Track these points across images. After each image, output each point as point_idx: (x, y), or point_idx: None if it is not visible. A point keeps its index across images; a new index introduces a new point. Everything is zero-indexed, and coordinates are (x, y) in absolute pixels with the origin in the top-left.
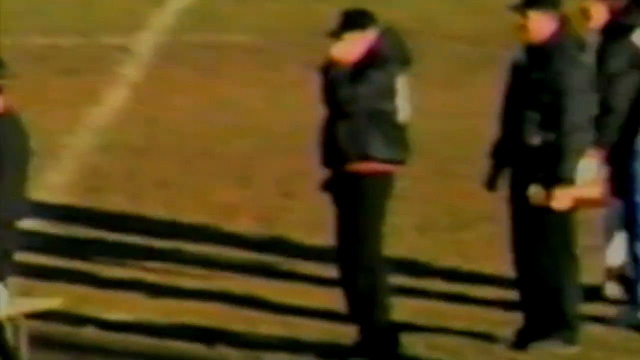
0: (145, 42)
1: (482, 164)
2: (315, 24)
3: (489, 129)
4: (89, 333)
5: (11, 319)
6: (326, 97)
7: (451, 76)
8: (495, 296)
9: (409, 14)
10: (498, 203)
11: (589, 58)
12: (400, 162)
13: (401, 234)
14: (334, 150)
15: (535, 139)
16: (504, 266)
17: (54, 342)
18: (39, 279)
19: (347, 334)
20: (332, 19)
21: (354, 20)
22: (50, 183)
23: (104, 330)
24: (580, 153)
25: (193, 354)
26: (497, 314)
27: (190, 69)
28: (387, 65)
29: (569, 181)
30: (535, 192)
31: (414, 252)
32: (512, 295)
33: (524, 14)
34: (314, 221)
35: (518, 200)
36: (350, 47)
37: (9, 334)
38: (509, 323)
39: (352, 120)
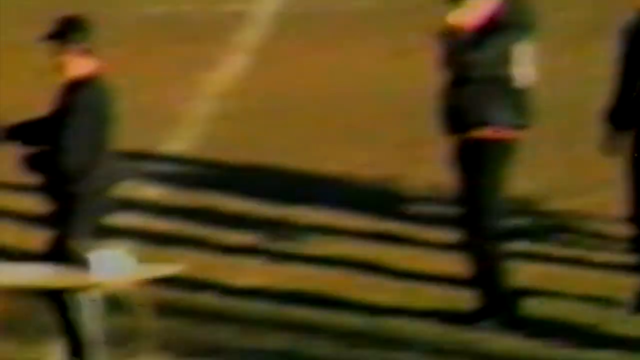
0: (263, 10)
1: (602, 130)
2: None
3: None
4: (211, 299)
5: (136, 285)
6: (447, 63)
7: (573, 41)
8: (616, 261)
9: None
10: (618, 168)
11: None
12: (522, 127)
13: (522, 200)
14: (456, 116)
15: None
16: (625, 230)
17: (176, 309)
18: (162, 246)
19: (468, 299)
20: None
21: None
22: (171, 151)
23: (226, 297)
24: None
25: (314, 321)
26: (617, 279)
27: (307, 37)
28: (509, 31)
29: None
30: None
31: (535, 217)
32: (633, 259)
33: None
34: (436, 187)
35: None
36: (472, 13)
37: (130, 301)
38: (630, 287)
39: (474, 86)
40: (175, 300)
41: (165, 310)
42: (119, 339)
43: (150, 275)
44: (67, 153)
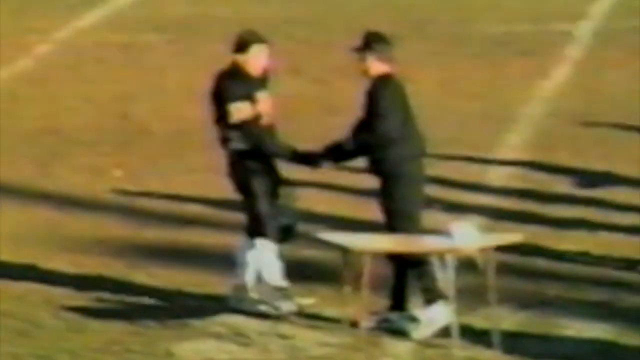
0: (586, 28)
1: None
2: None
3: None
4: (542, 262)
5: (482, 251)
6: None
7: None
8: None
9: None
10: None
11: None
12: None
13: None
14: None
15: None
16: None
17: (515, 270)
18: (502, 221)
19: None
20: None
21: None
22: (510, 142)
23: (553, 260)
24: None
25: (627, 279)
26: None
27: (623, 50)
28: None
29: None
30: None
31: None
32: None
33: None
34: None
35: None
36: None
37: (479, 264)
38: None
39: None
40: (514, 263)
41: (506, 271)
42: (469, 295)
43: (496, 243)
44: (384, 119)
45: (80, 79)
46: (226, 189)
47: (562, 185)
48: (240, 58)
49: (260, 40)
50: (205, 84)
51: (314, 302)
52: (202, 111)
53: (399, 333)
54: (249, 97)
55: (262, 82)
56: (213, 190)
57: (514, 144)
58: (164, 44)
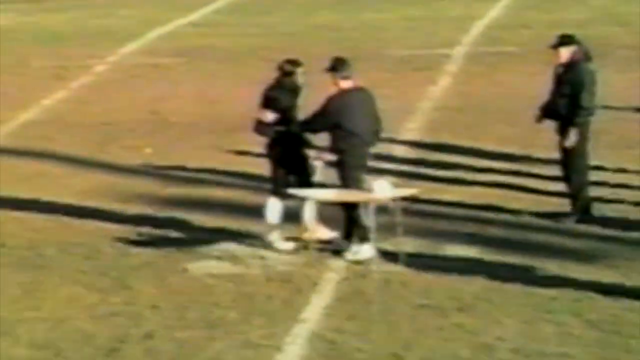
0: (460, 51)
1: None
2: None
3: None
4: (432, 208)
5: (392, 200)
6: None
7: None
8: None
9: None
10: None
11: None
12: None
13: None
14: None
15: None
16: None
17: (412, 212)
18: (405, 179)
19: None
20: None
21: None
22: (410, 127)
23: (440, 206)
24: None
25: None
26: None
27: (485, 66)
28: None
29: None
30: None
31: None
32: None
33: None
34: None
35: None
36: None
37: (390, 208)
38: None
39: None
40: (413, 208)
41: (408, 213)
42: (384, 229)
43: (401, 194)
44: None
45: (125, 88)
46: (225, 161)
47: (445, 155)
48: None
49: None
50: (208, 92)
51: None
52: (206, 109)
53: (339, 254)
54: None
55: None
56: (216, 162)
57: (412, 128)
58: (181, 64)
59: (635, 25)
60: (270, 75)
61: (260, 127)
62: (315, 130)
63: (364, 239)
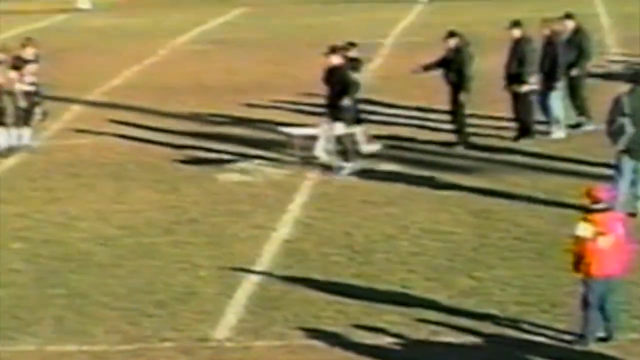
0: (389, 40)
1: None
2: None
3: None
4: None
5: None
6: None
7: None
8: None
9: None
10: None
11: None
12: None
13: None
14: None
15: None
16: None
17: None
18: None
19: None
20: None
21: None
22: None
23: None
24: None
25: None
26: None
27: (407, 50)
28: None
29: None
30: None
31: None
32: None
33: None
34: None
35: None
36: None
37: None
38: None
39: None
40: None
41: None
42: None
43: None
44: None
45: (178, 65)
46: (240, 111)
47: (378, 107)
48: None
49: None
50: (232, 67)
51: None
52: (230, 78)
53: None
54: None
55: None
56: (235, 111)
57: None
58: (214, 50)
59: (501, 25)
60: (273, 56)
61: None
62: None
63: (347, 159)
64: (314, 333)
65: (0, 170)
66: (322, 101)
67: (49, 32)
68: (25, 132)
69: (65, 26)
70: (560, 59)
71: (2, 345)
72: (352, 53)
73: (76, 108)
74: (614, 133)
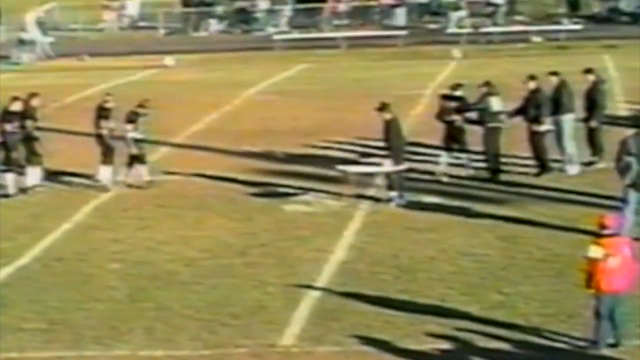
0: None
1: None
2: None
3: None
4: None
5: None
6: None
7: None
8: None
9: None
10: None
11: None
12: None
13: None
14: None
15: None
16: None
17: None
18: None
19: None
20: None
21: None
22: None
23: None
24: None
25: None
26: None
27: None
28: None
29: None
30: None
31: None
32: None
33: None
34: None
35: None
36: None
37: None
38: None
39: None
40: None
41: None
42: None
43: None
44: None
45: (250, 114)
46: (301, 150)
47: None
48: None
49: None
50: (294, 114)
51: None
52: (292, 123)
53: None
54: None
55: None
56: (295, 149)
57: None
58: (279, 100)
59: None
60: (330, 105)
61: None
62: None
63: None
64: (366, 340)
65: (99, 202)
66: (372, 143)
67: (140, 85)
68: (142, 170)
69: (154, 80)
70: (545, 107)
71: (101, 351)
72: (458, 92)
73: (164, 150)
74: (622, 170)
